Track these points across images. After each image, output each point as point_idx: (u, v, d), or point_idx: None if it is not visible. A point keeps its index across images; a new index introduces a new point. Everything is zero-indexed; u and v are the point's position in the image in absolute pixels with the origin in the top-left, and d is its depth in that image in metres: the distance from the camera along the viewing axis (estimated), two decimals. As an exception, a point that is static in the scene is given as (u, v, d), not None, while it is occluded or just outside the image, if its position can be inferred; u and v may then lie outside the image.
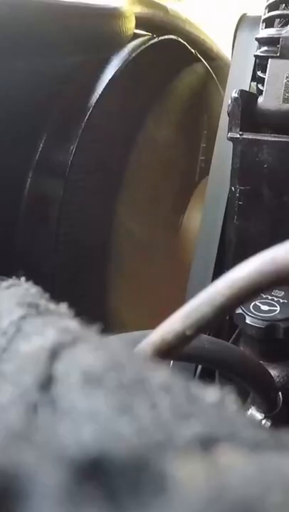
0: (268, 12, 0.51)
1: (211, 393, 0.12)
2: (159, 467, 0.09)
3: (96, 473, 0.08)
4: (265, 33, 0.49)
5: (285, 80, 0.48)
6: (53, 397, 0.12)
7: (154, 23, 0.68)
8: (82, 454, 0.09)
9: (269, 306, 0.44)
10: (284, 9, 0.51)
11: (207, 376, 0.49)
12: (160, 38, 0.68)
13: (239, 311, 0.44)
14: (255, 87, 0.55)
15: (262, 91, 0.49)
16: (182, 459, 0.09)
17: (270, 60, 0.49)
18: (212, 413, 0.11)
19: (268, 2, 0.51)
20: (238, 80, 0.58)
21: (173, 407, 0.11)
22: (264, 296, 0.45)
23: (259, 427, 0.12)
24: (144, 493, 0.08)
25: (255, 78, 0.54)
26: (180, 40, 0.72)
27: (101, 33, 0.56)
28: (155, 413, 0.11)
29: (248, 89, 0.55)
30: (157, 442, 0.10)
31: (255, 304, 0.44)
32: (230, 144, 0.50)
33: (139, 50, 0.63)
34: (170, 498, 0.08)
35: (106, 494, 0.08)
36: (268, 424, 0.40)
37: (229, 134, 0.49)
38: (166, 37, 0.69)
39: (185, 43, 0.73)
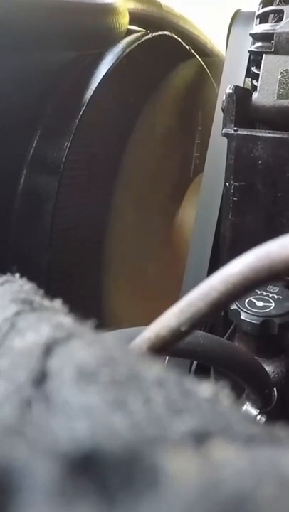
0: (262, 7, 0.51)
1: (205, 388, 0.12)
2: (152, 461, 0.09)
3: (89, 467, 0.08)
4: (259, 28, 0.49)
5: (280, 76, 0.48)
6: (47, 393, 0.12)
7: (148, 19, 0.68)
8: (75, 448, 0.09)
9: (264, 302, 0.45)
10: (278, 4, 0.51)
11: (202, 372, 0.50)
12: (154, 34, 0.68)
13: (234, 306, 0.44)
14: (249, 83, 0.55)
15: (256, 87, 0.49)
16: (175, 453, 0.09)
17: (264, 55, 0.49)
18: (206, 408, 0.11)
19: (262, -3, 0.51)
20: (233, 76, 0.58)
21: (167, 402, 0.11)
22: (259, 292, 0.46)
23: (253, 421, 0.12)
24: (137, 486, 0.08)
25: (249, 74, 0.54)
26: (174, 36, 0.72)
27: (95, 28, 0.56)
28: (149, 408, 0.11)
29: (242, 85, 0.55)
30: (151, 437, 0.10)
31: (250, 300, 0.44)
32: (225, 140, 0.50)
33: (132, 46, 0.62)
34: (162, 491, 0.08)
35: (98, 488, 0.08)
36: (263, 420, 0.40)
37: (224, 130, 0.49)
38: (160, 33, 0.69)
39: (179, 39, 0.73)
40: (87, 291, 0.69)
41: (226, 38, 0.62)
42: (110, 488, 0.08)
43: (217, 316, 0.52)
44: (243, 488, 0.08)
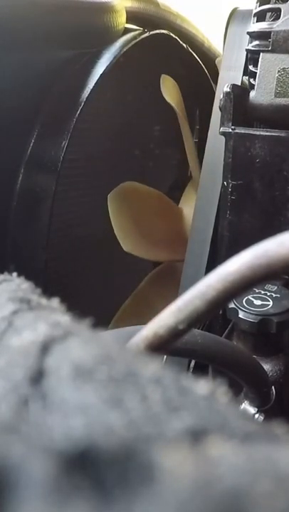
0: (259, 6, 0.51)
1: (202, 385, 0.12)
2: (147, 458, 0.09)
3: (84, 464, 0.08)
4: (256, 27, 0.49)
5: (277, 74, 0.48)
6: (43, 391, 0.12)
7: (145, 18, 0.68)
8: (71, 445, 0.09)
9: (262, 300, 0.45)
10: (275, 3, 0.51)
11: (200, 371, 0.50)
12: (151, 32, 0.68)
13: (232, 305, 0.44)
14: (246, 82, 0.55)
15: (254, 85, 0.49)
16: (170, 449, 0.09)
17: (261, 54, 0.49)
18: (203, 405, 0.11)
19: (259, -4, 0.51)
20: (230, 75, 0.58)
21: (163, 400, 0.11)
22: (257, 291, 0.46)
23: (250, 419, 0.12)
24: (132, 483, 0.08)
25: (246, 72, 0.54)
26: (171, 34, 0.72)
27: (92, 27, 0.56)
28: (145, 406, 0.11)
29: (239, 84, 0.55)
30: (147, 434, 0.10)
31: (248, 299, 0.44)
32: (223, 138, 0.50)
33: (130, 45, 0.62)
34: (157, 487, 0.08)
35: (94, 484, 0.08)
36: (261, 418, 0.40)
37: (221, 129, 0.50)
38: (157, 31, 0.69)
39: (176, 37, 0.73)
40: (85, 290, 0.69)
41: (223, 36, 0.62)
42: (106, 485, 0.08)
43: (215, 314, 0.52)
44: (239, 485, 0.08)
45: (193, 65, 0.79)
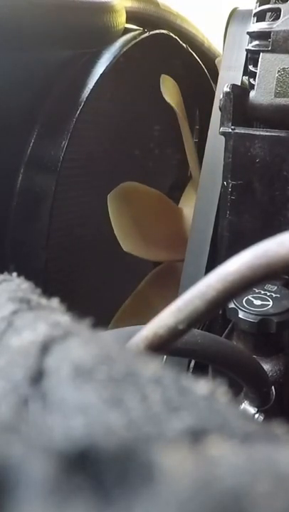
0: (259, 6, 0.51)
1: (202, 386, 0.12)
2: (147, 458, 0.09)
3: (84, 464, 0.08)
4: (256, 27, 0.49)
5: (277, 74, 0.48)
6: (43, 391, 0.12)
7: (145, 18, 0.68)
8: (71, 445, 0.09)
9: (262, 300, 0.45)
10: (275, 3, 0.51)
11: (200, 371, 0.50)
12: (151, 32, 0.68)
13: (232, 305, 0.44)
14: (246, 82, 0.55)
15: (254, 85, 0.49)
16: (170, 449, 0.09)
17: (261, 54, 0.49)
18: (203, 405, 0.11)
19: (259, -4, 0.51)
20: (230, 75, 0.58)
21: (163, 400, 0.11)
22: (257, 291, 0.46)
23: (250, 419, 0.12)
24: (132, 483, 0.08)
25: (246, 72, 0.54)
26: (171, 34, 0.72)
27: (92, 27, 0.56)
28: (145, 405, 0.11)
29: (239, 84, 0.55)
30: (147, 434, 0.10)
31: (248, 299, 0.45)
32: (223, 138, 0.50)
33: (130, 45, 0.62)
34: (157, 487, 0.08)
35: (93, 484, 0.08)
36: (261, 418, 0.40)
37: (221, 129, 0.50)
38: (157, 31, 0.69)
39: (176, 37, 0.73)
40: (84, 290, 0.69)
41: (223, 36, 0.62)
42: (105, 485, 0.08)
43: (215, 314, 0.52)
44: (239, 485, 0.08)
45: (193, 65, 0.79)
